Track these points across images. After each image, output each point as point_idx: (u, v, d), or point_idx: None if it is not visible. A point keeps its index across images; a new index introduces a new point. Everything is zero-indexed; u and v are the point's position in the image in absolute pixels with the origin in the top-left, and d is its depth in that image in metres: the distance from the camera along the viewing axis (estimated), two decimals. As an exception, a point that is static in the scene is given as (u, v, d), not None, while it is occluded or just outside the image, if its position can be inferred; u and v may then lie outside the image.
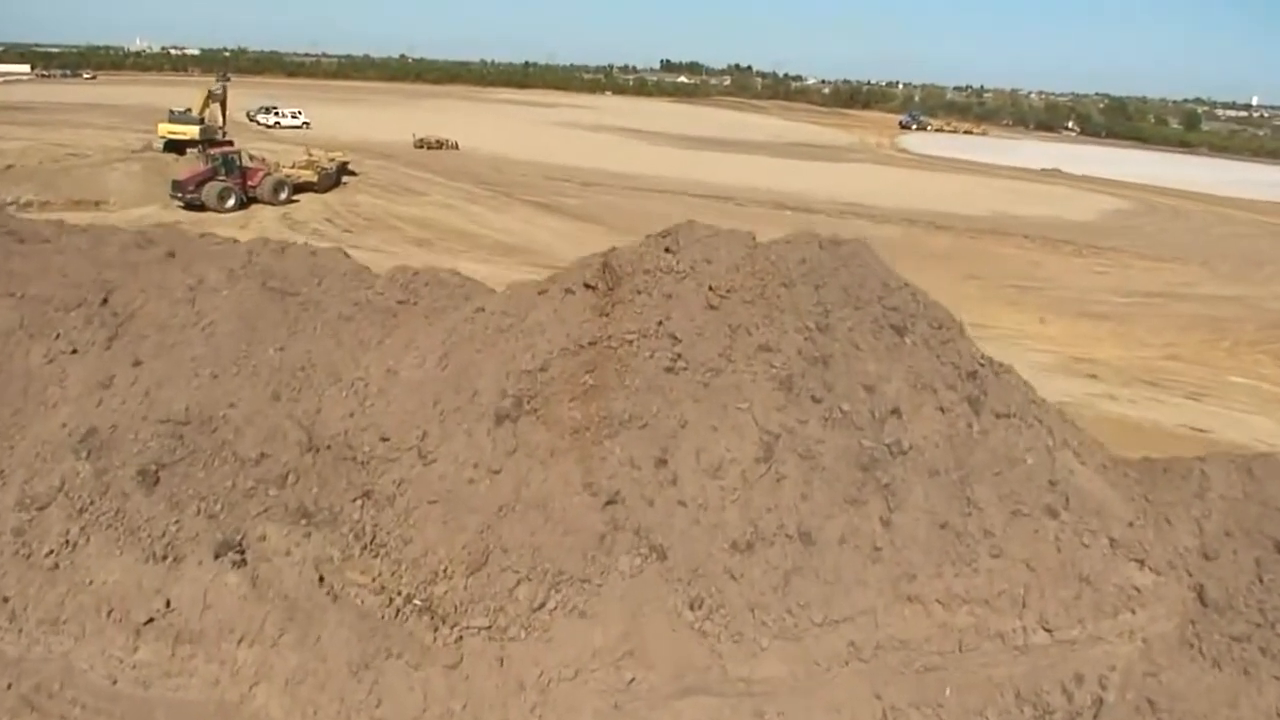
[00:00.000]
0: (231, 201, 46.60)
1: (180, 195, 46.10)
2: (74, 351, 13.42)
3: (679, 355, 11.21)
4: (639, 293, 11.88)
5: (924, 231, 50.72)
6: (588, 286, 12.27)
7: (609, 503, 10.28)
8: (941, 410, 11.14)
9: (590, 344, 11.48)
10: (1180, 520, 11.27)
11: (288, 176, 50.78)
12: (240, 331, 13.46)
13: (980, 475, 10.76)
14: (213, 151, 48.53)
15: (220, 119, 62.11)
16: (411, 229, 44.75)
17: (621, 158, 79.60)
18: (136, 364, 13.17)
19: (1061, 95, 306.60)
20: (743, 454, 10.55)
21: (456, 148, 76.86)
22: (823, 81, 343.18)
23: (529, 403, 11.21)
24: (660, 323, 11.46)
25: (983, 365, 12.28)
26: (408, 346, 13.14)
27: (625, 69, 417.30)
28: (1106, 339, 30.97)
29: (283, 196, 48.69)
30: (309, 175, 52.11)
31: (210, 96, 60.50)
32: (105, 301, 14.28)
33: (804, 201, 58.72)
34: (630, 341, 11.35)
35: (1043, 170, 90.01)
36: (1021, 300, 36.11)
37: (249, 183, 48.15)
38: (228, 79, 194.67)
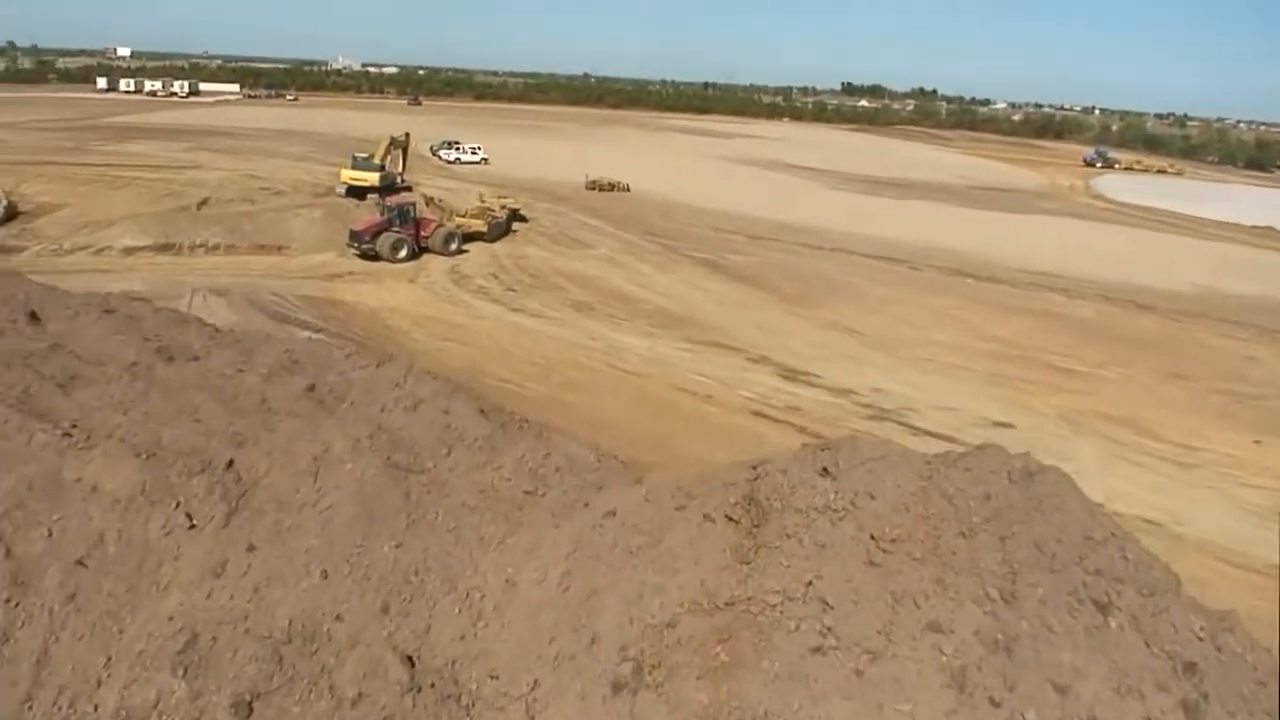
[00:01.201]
0: (404, 252, 47.33)
1: (356, 245, 47.18)
2: (192, 526, 12.81)
3: (829, 629, 9.55)
4: (787, 537, 10.29)
5: (1123, 311, 46.65)
6: (729, 519, 10.75)
7: (733, 830, 8.72)
8: (1151, 725, 9.09)
9: (727, 605, 9.95)
10: None
11: (459, 227, 51.30)
12: (358, 520, 12.55)
13: (1196, 823, 8.69)
14: (389, 202, 49.44)
15: (401, 165, 63.57)
16: (575, 289, 44.17)
17: (793, 203, 77.48)
18: (251, 549, 12.46)
19: (1274, 126, 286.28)
20: (900, 776, 8.81)
21: (628, 190, 76.53)
22: (1012, 106, 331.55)
23: (651, 672, 9.76)
24: (810, 583, 9.83)
25: (1201, 637, 10.10)
26: (530, 553, 11.95)
27: (805, 90, 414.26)
28: (1333, 474, 27.23)
29: (453, 247, 49.16)
30: (479, 225, 52.52)
31: (392, 143, 62.11)
32: (230, 465, 13.68)
33: (988, 266, 55.27)
34: (774, 605, 9.77)
35: (1255, 228, 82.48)
36: (1234, 411, 32.32)
37: (421, 233, 48.90)
38: (418, 103, 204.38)
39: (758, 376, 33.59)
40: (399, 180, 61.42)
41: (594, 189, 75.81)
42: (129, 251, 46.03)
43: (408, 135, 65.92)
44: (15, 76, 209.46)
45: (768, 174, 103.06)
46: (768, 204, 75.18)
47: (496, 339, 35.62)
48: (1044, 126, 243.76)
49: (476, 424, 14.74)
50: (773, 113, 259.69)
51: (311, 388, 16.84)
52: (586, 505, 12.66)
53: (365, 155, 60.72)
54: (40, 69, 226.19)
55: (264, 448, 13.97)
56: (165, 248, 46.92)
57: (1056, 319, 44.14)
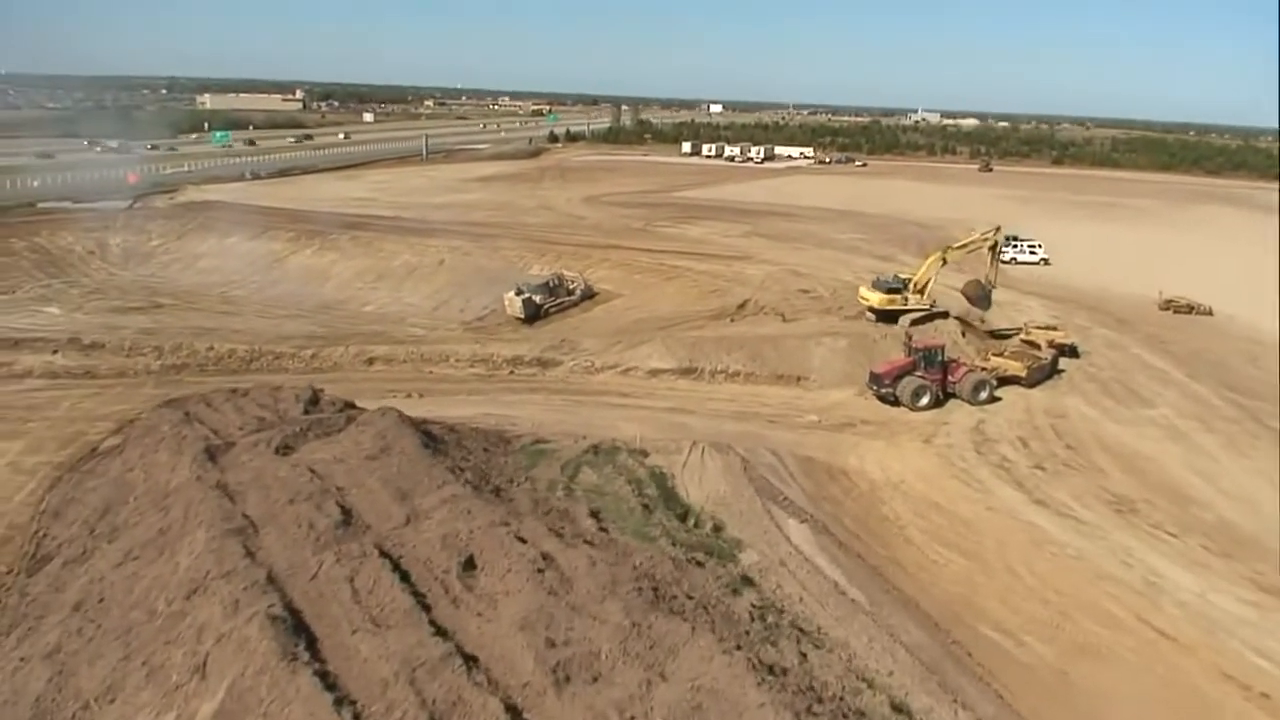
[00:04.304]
0: (925, 400, 44.19)
1: (875, 387, 44.89)
2: None
3: None
4: None
5: None
6: None
7: None
8: None
9: None
10: None
11: (994, 370, 46.81)
12: None
13: None
14: (916, 343, 46.12)
15: (991, 269, 56.74)
16: (1117, 475, 37.44)
17: None
18: None
19: None
20: None
21: (1209, 313, 64.86)
22: None
23: None
24: None
25: None
26: None
27: None
28: None
29: (982, 396, 44.84)
30: (1016, 369, 47.42)
31: (946, 250, 56.44)
32: None
33: None
34: None
35: None
36: None
37: (949, 378, 45.24)
38: (989, 169, 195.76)
39: (1344, 665, 25.58)
40: (987, 286, 56.00)
41: (1167, 309, 65.79)
42: (653, 374, 47.81)
43: (998, 231, 57.78)
44: (617, 137, 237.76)
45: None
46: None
47: (1005, 551, 30.94)
48: None
49: None
50: None
51: None
52: None
53: (892, 275, 57.07)
54: (639, 129, 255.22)
55: None
56: (687, 372, 48.10)
57: None
